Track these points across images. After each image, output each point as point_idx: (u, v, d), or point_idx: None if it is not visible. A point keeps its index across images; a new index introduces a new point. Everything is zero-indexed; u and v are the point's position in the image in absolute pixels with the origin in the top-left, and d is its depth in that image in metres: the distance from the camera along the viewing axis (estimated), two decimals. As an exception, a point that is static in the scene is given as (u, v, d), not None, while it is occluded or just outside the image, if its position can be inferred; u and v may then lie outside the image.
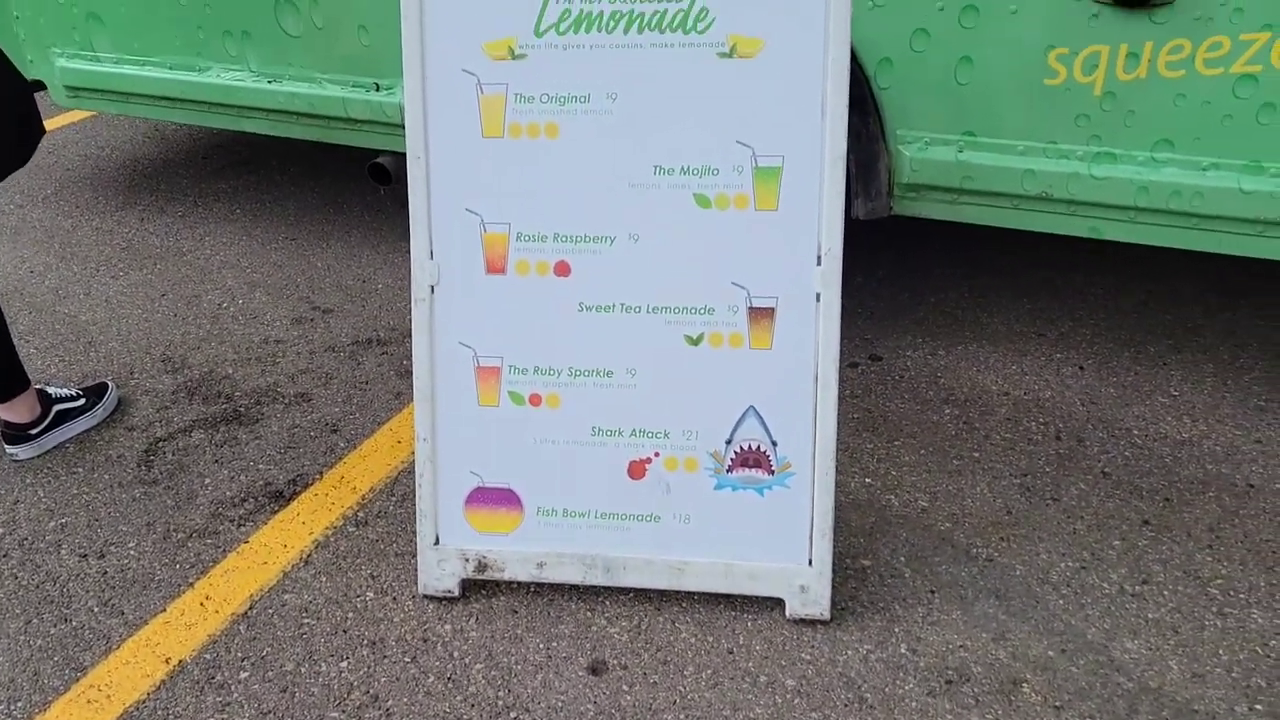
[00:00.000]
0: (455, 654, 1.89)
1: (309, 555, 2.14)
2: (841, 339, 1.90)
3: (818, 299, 1.86)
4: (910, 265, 3.24)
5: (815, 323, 1.88)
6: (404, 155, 1.92)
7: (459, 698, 1.80)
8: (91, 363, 2.87)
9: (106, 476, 2.40)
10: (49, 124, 4.73)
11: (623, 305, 1.94)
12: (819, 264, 1.85)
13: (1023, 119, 2.25)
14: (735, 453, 1.95)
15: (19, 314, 3.12)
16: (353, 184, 4.01)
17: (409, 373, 2.70)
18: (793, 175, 1.85)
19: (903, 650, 1.87)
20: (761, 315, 1.90)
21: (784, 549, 1.96)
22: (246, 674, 1.86)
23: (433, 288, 1.96)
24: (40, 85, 3.44)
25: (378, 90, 2.93)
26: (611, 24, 1.83)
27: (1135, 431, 2.44)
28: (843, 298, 1.85)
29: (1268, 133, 2.05)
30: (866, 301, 3.02)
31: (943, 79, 2.29)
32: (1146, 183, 2.18)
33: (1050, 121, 2.23)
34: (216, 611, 2.00)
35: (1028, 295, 3.06)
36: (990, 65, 2.23)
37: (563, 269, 1.95)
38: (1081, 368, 2.70)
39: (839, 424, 1.94)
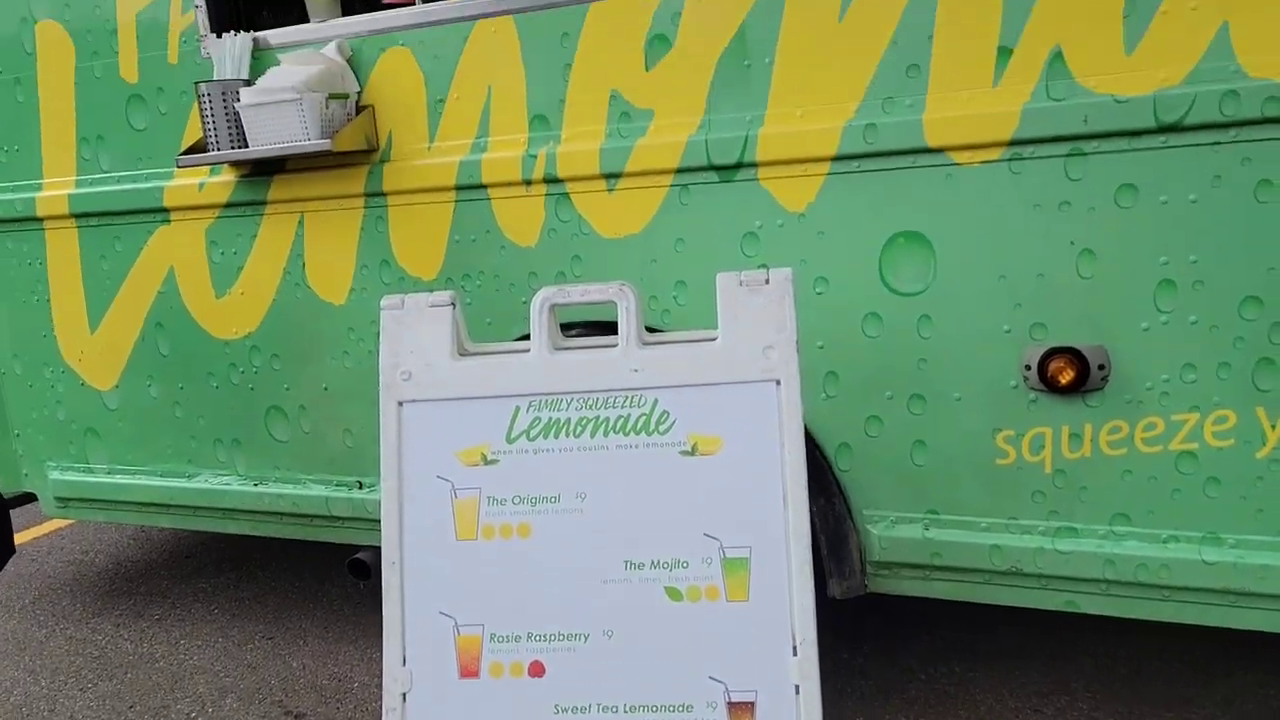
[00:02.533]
0: None
1: None
2: (826, 730, 1.84)
3: (796, 690, 1.83)
4: (896, 637, 3.20)
5: (796, 715, 1.83)
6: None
7: None
8: (45, 786, 2.71)
9: None
10: (36, 531, 4.79)
11: (599, 705, 1.90)
12: (795, 654, 1.84)
13: (981, 497, 2.33)
14: None
15: (-24, 734, 2.99)
16: (332, 578, 4.01)
17: (380, 783, 2.55)
18: (761, 565, 1.88)
19: None
20: (741, 711, 1.86)
21: None
22: None
23: (405, 695, 1.92)
24: (31, 497, 3.53)
25: (360, 488, 3.02)
26: (579, 429, 1.95)
27: (1150, 817, 2.30)
28: (830, 676, 1.82)
29: (1218, 505, 2.13)
30: (854, 680, 2.94)
31: (900, 461, 2.39)
32: (1111, 556, 2.22)
33: (1008, 499, 2.31)
34: None
35: (1018, 665, 2.99)
36: (942, 448, 2.34)
37: (537, 669, 1.92)
38: (1083, 746, 2.59)
39: (831, 827, 1.84)
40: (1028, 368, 2.22)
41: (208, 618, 3.73)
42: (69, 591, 4.06)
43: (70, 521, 4.89)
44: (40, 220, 3.18)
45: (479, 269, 2.68)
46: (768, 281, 1.94)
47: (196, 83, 2.70)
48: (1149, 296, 2.10)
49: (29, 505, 3.70)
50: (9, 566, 4.29)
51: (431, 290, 2.67)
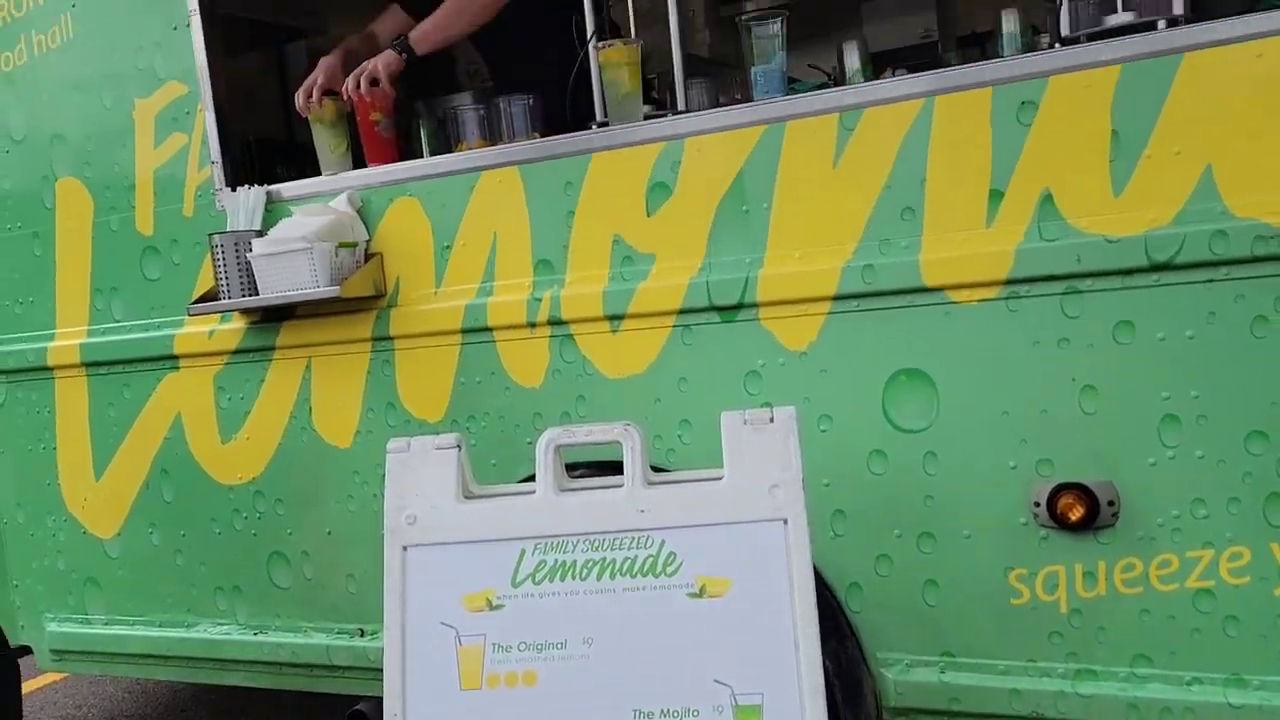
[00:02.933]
0: None
1: None
2: None
3: None
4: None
5: None
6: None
7: None
8: None
9: None
10: (30, 685, 4.67)
11: None
12: (811, 809, 1.77)
13: (997, 638, 2.28)
14: None
15: None
16: (333, 732, 3.88)
17: None
18: (774, 713, 1.83)
19: None
20: None
21: None
22: None
23: None
24: (26, 650, 3.46)
25: (362, 636, 2.96)
26: (585, 572, 1.92)
27: None
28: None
29: (1239, 645, 2.08)
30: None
31: (912, 601, 2.35)
32: (1134, 700, 2.16)
33: (1024, 640, 2.25)
34: None
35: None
36: (954, 587, 2.30)
37: (543, 828, 1.84)
38: None
39: None
40: (1037, 504, 2.20)
41: (201, 775, 3.60)
42: (59, 749, 3.94)
43: (64, 675, 4.77)
44: (51, 370, 3.22)
45: (484, 410, 2.70)
46: (772, 420, 1.94)
47: (210, 234, 2.77)
48: (1153, 431, 2.10)
49: (23, 658, 3.62)
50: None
51: (437, 432, 2.69)
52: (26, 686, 4.64)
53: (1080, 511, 2.14)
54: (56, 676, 4.77)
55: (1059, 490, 2.16)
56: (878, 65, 4.53)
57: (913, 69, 4.16)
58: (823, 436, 2.37)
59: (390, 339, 2.76)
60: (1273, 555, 2.05)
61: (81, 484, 3.26)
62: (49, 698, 4.53)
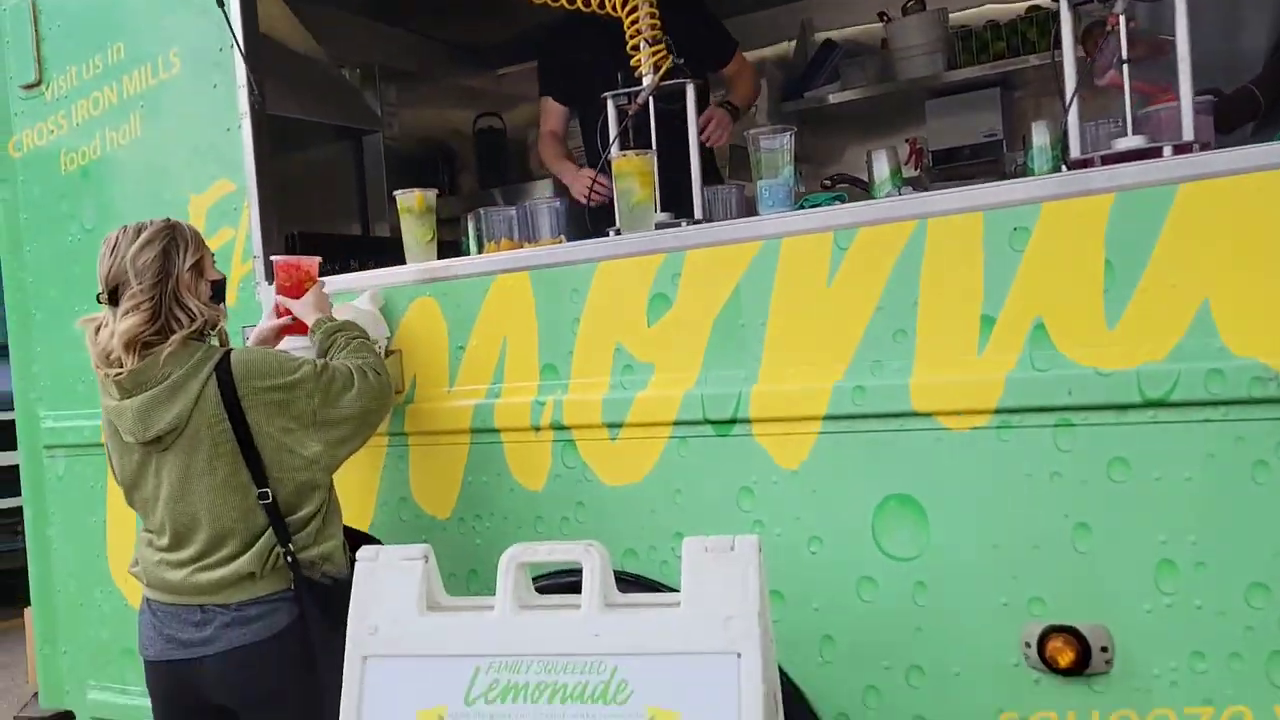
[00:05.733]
0: None
1: None
2: None
3: None
4: None
5: None
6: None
7: None
8: None
9: None
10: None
11: None
12: None
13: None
14: None
15: None
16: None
17: None
18: None
19: None
20: None
21: None
22: None
23: None
24: (70, 715, 3.59)
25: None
26: (536, 694, 1.90)
27: None
28: None
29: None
30: None
31: (903, 735, 2.25)
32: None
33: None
34: None
35: None
36: (945, 726, 2.20)
37: None
38: None
39: None
40: (1028, 645, 2.09)
41: None
42: (104, 810, 4.04)
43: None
44: (102, 445, 3.37)
45: (490, 511, 2.71)
46: (733, 548, 1.90)
47: (244, 327, 2.88)
48: (1150, 577, 1.98)
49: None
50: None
51: (445, 529, 2.73)
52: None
53: (1070, 656, 2.02)
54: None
55: (1049, 633, 2.05)
56: (939, 161, 4.47)
57: (968, 173, 4.10)
58: (813, 559, 2.31)
59: (405, 434, 2.82)
60: (1277, 718, 1.89)
61: (127, 558, 3.38)
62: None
